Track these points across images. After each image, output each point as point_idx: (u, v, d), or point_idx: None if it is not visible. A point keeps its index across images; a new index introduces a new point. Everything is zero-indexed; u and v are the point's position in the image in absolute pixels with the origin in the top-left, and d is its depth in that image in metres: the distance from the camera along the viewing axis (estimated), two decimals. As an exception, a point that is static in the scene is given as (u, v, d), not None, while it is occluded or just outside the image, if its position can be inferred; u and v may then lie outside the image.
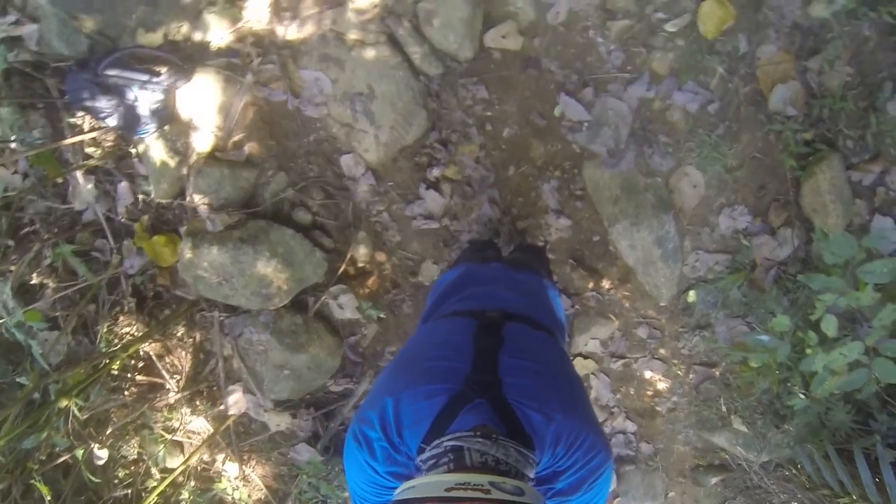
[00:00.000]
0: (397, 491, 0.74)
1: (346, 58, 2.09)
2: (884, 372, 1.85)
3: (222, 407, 2.61)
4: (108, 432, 2.62)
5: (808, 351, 1.96)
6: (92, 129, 2.27)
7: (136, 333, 2.51)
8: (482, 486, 0.68)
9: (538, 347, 1.08)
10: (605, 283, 2.38)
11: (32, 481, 2.31)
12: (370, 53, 2.07)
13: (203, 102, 2.14)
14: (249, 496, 2.82)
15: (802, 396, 2.17)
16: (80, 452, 2.40)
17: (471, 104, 2.21)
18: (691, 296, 2.31)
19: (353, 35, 2.07)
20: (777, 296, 2.18)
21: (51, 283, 2.43)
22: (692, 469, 2.71)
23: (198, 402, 2.66)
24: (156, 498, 2.47)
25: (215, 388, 2.63)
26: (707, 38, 1.99)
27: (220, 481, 2.79)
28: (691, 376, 2.48)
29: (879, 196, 2.06)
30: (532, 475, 0.81)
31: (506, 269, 1.47)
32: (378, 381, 1.00)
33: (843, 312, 1.98)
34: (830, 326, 1.88)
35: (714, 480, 2.68)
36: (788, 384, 2.24)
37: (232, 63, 2.13)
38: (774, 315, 2.08)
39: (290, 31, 2.10)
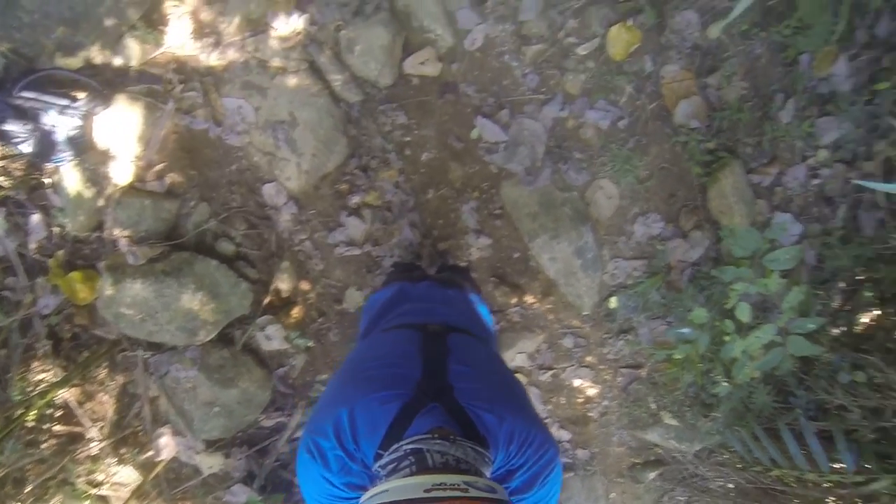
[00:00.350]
0: (365, 497, 0.74)
1: (269, 85, 2.11)
2: (797, 347, 2.02)
3: (151, 453, 2.46)
4: (27, 491, 2.40)
5: (727, 338, 2.10)
6: (3, 157, 2.15)
7: (52, 379, 2.34)
8: (458, 485, 0.69)
9: (481, 355, 1.12)
10: (529, 298, 2.44)
11: None
12: (292, 81, 2.10)
13: (123, 130, 2.09)
14: (186, 548, 2.65)
15: (725, 384, 2.29)
16: None
17: (390, 130, 2.26)
18: (613, 302, 2.42)
19: (275, 62, 2.10)
20: (693, 294, 2.32)
21: None
22: (629, 468, 2.79)
23: (124, 451, 2.50)
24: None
25: (142, 432, 2.48)
26: (615, 60, 2.15)
27: (153, 534, 2.60)
28: (619, 379, 2.57)
29: (777, 195, 2.26)
30: (488, 474, 0.83)
31: (435, 287, 1.51)
32: (325, 395, 0.99)
33: (754, 302, 2.14)
34: (744, 313, 2.03)
35: (652, 475, 2.76)
36: (711, 375, 2.35)
37: (153, 89, 2.10)
38: (692, 312, 2.23)
39: (212, 58, 2.11)
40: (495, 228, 2.36)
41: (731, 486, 2.61)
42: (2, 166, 2.17)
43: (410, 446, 0.78)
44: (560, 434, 2.65)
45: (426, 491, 0.69)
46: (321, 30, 2.11)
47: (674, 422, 2.58)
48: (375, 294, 1.55)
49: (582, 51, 2.15)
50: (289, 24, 2.06)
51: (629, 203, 2.31)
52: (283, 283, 2.33)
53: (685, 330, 2.22)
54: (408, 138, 2.27)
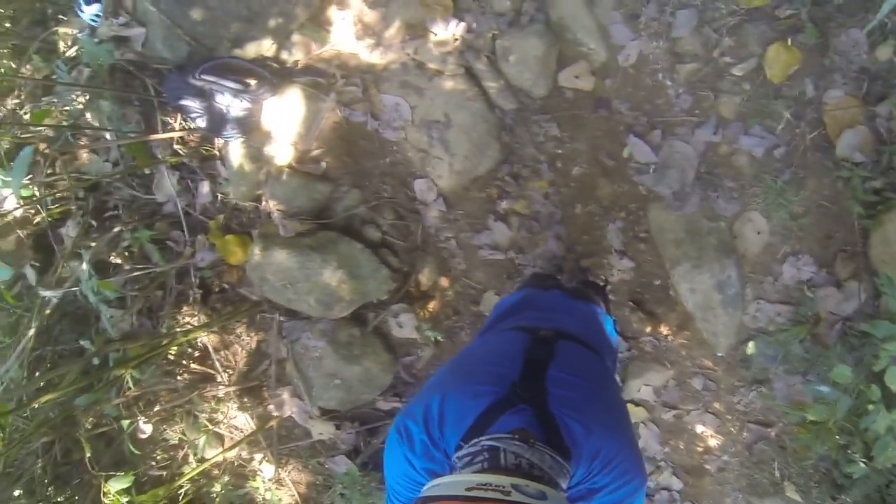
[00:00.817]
0: (425, 487, 0.75)
1: (426, 86, 2.22)
2: None
3: (269, 407, 2.69)
4: (154, 411, 2.73)
5: (871, 407, 1.85)
6: (182, 129, 2.44)
7: (196, 324, 2.64)
8: (503, 487, 0.68)
9: (588, 366, 1.10)
10: (663, 329, 2.34)
11: (79, 436, 2.41)
12: (448, 84, 2.19)
13: (287, 116, 2.29)
14: (280, 500, 2.85)
15: (863, 464, 2.03)
16: (126, 423, 2.50)
17: (542, 140, 2.27)
18: (750, 347, 2.24)
19: (433, 65, 2.20)
20: (841, 353, 2.08)
21: (125, 265, 2.58)
22: (738, 535, 2.56)
23: (245, 399, 2.75)
24: (188, 483, 2.53)
25: (265, 388, 2.72)
26: (773, 83, 2.00)
27: (254, 480, 2.84)
28: (745, 434, 2.38)
29: (953, 247, 1.97)
30: (565, 486, 0.81)
31: (564, 297, 1.50)
32: (428, 382, 1.04)
33: None
34: (895, 379, 1.78)
35: (761, 550, 2.51)
36: (849, 451, 2.10)
37: (317, 82, 2.28)
38: (835, 369, 1.99)
39: (373, 57, 2.25)
40: (639, 251, 2.29)
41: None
42: (181, 137, 2.48)
43: (488, 443, 0.79)
44: (671, 481, 2.50)
45: (467, 489, 0.68)
46: (478, 37, 2.17)
47: (797, 496, 2.33)
48: (505, 297, 1.57)
49: (737, 71, 2.03)
50: (447, 30, 2.15)
51: (780, 241, 2.13)
52: (424, 277, 2.43)
53: (823, 388, 1.99)
54: (560, 151, 2.28)
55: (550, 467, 0.77)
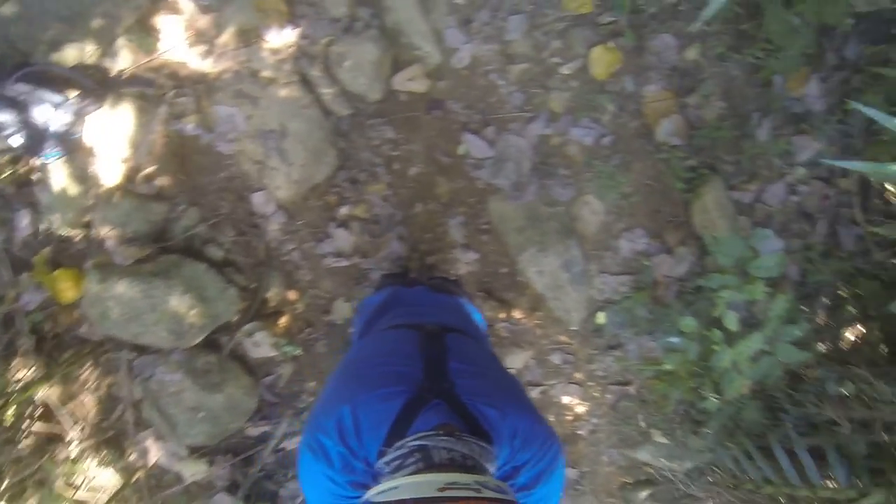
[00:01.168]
0: (371, 493, 0.73)
1: (260, 95, 2.16)
2: (785, 354, 2.01)
3: (132, 457, 2.44)
4: (1, 489, 2.38)
5: (715, 348, 2.08)
6: None
7: (33, 377, 2.34)
8: (470, 485, 0.69)
9: (478, 353, 1.13)
10: (517, 313, 2.43)
11: None
12: (283, 92, 2.16)
13: (114, 131, 2.11)
14: (165, 557, 2.60)
15: (714, 399, 2.25)
16: None
17: (378, 144, 2.30)
18: (600, 317, 2.42)
19: (267, 73, 2.16)
20: (680, 309, 2.31)
21: None
22: (620, 488, 2.73)
23: (105, 453, 2.48)
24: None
25: (124, 436, 2.47)
26: (598, 80, 2.21)
27: (130, 543, 2.56)
28: (608, 396, 2.55)
29: (758, 211, 2.29)
30: (493, 470, 0.82)
31: (428, 292, 1.54)
32: (325, 394, 0.99)
33: (741, 314, 2.12)
34: (732, 321, 2.02)
35: (643, 495, 2.69)
36: (700, 391, 2.31)
37: (145, 93, 2.13)
38: (681, 320, 2.21)
39: (205, 65, 2.16)
40: (483, 243, 2.38)
41: (722, 504, 2.56)
42: None
43: (416, 443, 0.78)
44: None
45: (440, 490, 0.67)
46: (312, 44, 2.17)
47: (664, 440, 2.54)
48: (369, 297, 1.56)
49: (566, 70, 2.21)
50: (281, 37, 2.13)
51: (614, 219, 2.33)
52: (272, 292, 2.35)
53: (674, 339, 2.21)
54: (396, 153, 2.31)
55: (479, 455, 0.78)
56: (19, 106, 1.94)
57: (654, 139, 2.23)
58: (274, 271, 2.34)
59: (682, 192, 2.26)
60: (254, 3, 2.11)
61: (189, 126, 2.21)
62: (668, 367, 2.26)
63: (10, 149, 2.07)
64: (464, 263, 2.38)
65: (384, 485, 0.72)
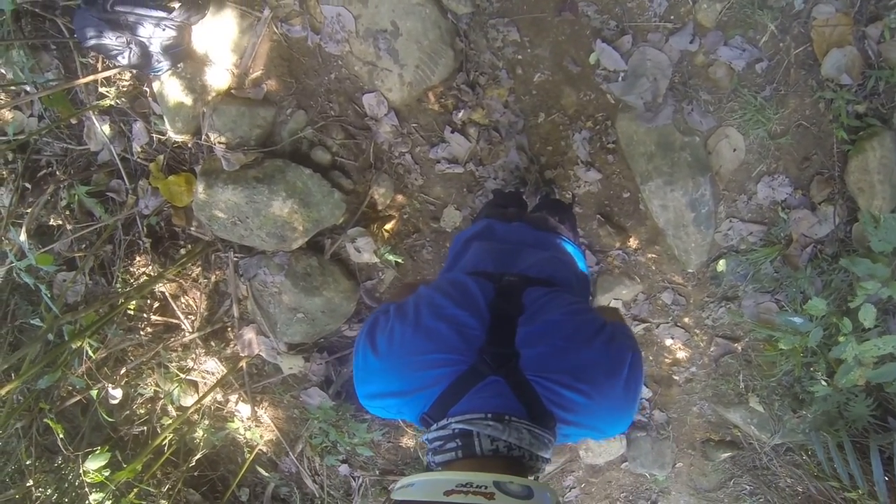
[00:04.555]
0: (395, 487, 0.71)
1: (370, -9, 1.97)
2: None
3: (236, 348, 2.64)
4: (123, 371, 2.69)
5: (841, 338, 1.88)
6: (105, 69, 2.21)
7: (151, 274, 2.53)
8: (485, 487, 0.64)
9: (562, 311, 0.95)
10: (633, 243, 2.29)
11: (46, 419, 2.38)
12: (396, -13, 1.94)
13: (219, 38, 2.07)
14: (261, 437, 2.90)
15: (825, 384, 2.11)
16: (94, 392, 2.46)
17: (501, 46, 2.09)
18: (721, 265, 2.21)
19: (378, -33, 1.94)
20: (811, 276, 2.08)
21: (67, 225, 2.44)
22: (703, 442, 2.68)
23: (212, 343, 2.71)
24: (170, 435, 2.54)
25: (229, 329, 2.66)
26: None
27: (232, 421, 2.86)
28: (712, 348, 2.41)
29: (933, 181, 1.91)
30: (548, 455, 0.77)
31: (528, 229, 1.39)
32: (389, 326, 0.90)
33: (881, 303, 1.88)
34: (868, 316, 1.79)
35: (723, 456, 2.64)
36: (812, 369, 2.16)
37: (250, -4, 2.03)
38: (806, 295, 1.98)
39: (311, -38, 1.99)
40: (607, 163, 2.18)
41: (800, 489, 2.46)
42: (106, 78, 2.24)
43: (459, 426, 0.73)
44: (642, 390, 2.57)
45: (446, 493, 0.63)
46: (428, -68, 1.91)
47: (760, 408, 2.42)
48: (463, 231, 1.46)
49: None
50: (395, -77, 1.88)
51: (756, 159, 2.05)
52: (379, 196, 2.30)
53: (798, 319, 1.99)
54: (520, 56, 2.09)
55: (530, 443, 0.73)
56: (123, 26, 1.92)
57: (819, 73, 1.89)
58: (383, 175, 2.28)
59: (842, 142, 1.94)
60: None
61: (295, 28, 2.08)
62: (782, 346, 2.05)
63: (121, 66, 2.09)
64: (584, 182, 2.22)
65: (406, 478, 0.70)
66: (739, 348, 2.38)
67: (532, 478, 0.72)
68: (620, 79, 2.00)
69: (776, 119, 1.96)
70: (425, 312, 0.90)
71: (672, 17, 1.93)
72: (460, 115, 2.16)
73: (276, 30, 2.08)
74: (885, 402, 2.12)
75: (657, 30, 1.95)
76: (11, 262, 2.15)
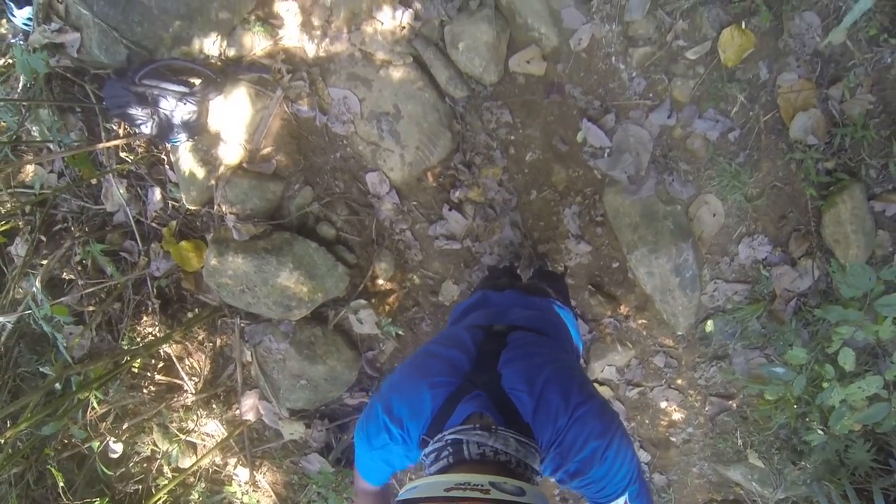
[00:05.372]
0: (401, 492, 0.76)
1: (374, 77, 2.15)
2: None
3: (237, 412, 2.66)
4: (124, 427, 2.69)
5: (825, 385, 1.92)
6: (127, 135, 2.36)
7: (158, 334, 2.58)
8: (482, 486, 0.70)
9: (539, 345, 1.09)
10: (623, 310, 2.36)
11: (48, 466, 2.36)
12: (397, 74, 2.13)
13: (234, 115, 2.22)
14: (258, 502, 2.85)
15: (821, 432, 2.12)
16: (95, 444, 2.46)
17: (495, 127, 2.24)
18: (709, 325, 2.28)
19: (380, 55, 2.13)
20: (797, 328, 2.14)
21: (79, 280, 2.52)
22: (706, 503, 2.65)
23: (214, 406, 2.72)
24: (165, 496, 2.52)
25: (232, 392, 2.69)
26: (727, 66, 1.99)
27: (230, 485, 2.83)
28: (707, 408, 2.44)
29: (902, 227, 2.02)
30: (538, 466, 0.83)
31: (519, 295, 1.49)
32: (391, 376, 1.04)
33: (862, 346, 1.94)
34: (848, 360, 1.85)
35: (728, 515, 2.61)
36: (807, 419, 2.18)
37: (263, 78, 2.20)
38: (793, 347, 2.04)
39: (319, 49, 2.18)
40: (596, 236, 2.30)
41: (808, 544, 2.41)
42: (127, 144, 2.40)
43: (451, 437, 0.80)
44: (639, 454, 2.57)
45: (446, 490, 0.69)
46: (426, 24, 2.11)
47: (759, 463, 2.42)
48: (461, 302, 1.56)
49: (691, 55, 2.01)
50: (394, 19, 2.08)
51: (735, 222, 2.15)
52: (381, 271, 2.41)
53: (779, 369, 2.04)
54: (513, 137, 2.25)
55: (516, 450, 0.78)
56: (147, 99, 2.09)
57: (788, 136, 2.01)
58: (384, 250, 2.39)
59: (814, 198, 2.04)
60: (368, -16, 2.07)
61: (304, 108, 2.25)
62: (768, 396, 2.10)
63: (142, 135, 2.25)
64: (576, 255, 2.32)
65: (410, 483, 0.75)
66: (734, 405, 2.41)
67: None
68: (606, 155, 2.14)
69: (751, 182, 2.08)
70: (420, 354, 1.04)
71: (650, 95, 2.08)
72: (457, 193, 2.29)
73: (286, 109, 2.24)
74: (885, 444, 2.12)
75: (637, 107, 2.10)
76: (25, 311, 2.22)
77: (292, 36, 2.19)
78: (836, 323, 1.87)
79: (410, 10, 2.08)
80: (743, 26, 1.93)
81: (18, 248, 2.53)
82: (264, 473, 2.82)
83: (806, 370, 1.99)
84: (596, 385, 2.46)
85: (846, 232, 1.97)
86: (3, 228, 2.52)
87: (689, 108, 2.06)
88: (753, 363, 2.31)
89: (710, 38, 1.98)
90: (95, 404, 2.41)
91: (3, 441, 2.12)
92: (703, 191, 2.13)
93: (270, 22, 2.18)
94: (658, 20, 2.00)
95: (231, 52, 2.20)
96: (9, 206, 2.51)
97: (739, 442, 2.44)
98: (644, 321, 2.37)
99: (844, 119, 1.96)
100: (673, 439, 2.52)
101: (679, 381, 2.43)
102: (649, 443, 2.57)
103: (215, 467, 2.87)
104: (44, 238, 2.52)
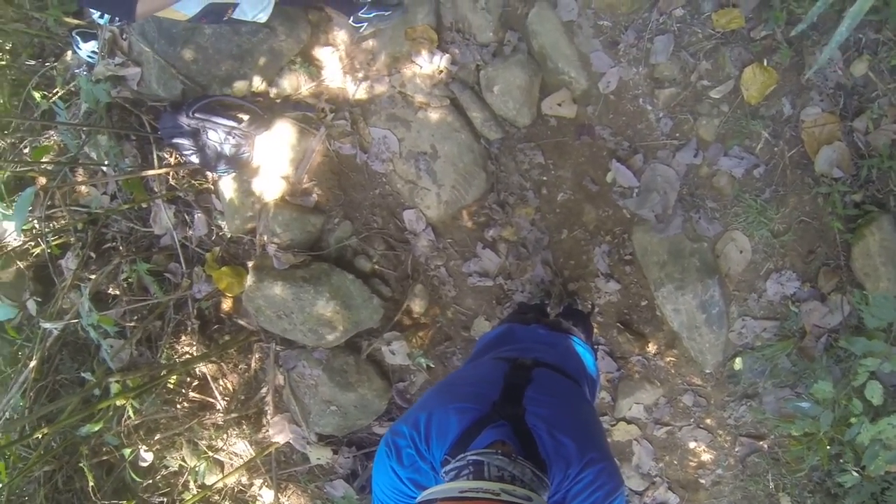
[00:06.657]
0: (421, 496, 0.82)
1: (413, 119, 2.27)
2: None
3: (267, 434, 2.72)
4: (155, 438, 2.76)
5: (853, 420, 1.88)
6: (177, 164, 2.51)
7: (195, 353, 2.68)
8: (493, 490, 0.77)
9: (562, 389, 1.18)
10: (652, 348, 2.37)
11: (81, 464, 2.44)
12: (434, 116, 2.25)
13: (278, 150, 2.35)
14: (282, 525, 2.87)
15: (855, 473, 2.05)
16: (127, 451, 2.54)
17: (528, 168, 2.33)
18: (738, 363, 2.27)
19: (419, 98, 2.26)
20: (827, 365, 2.11)
21: (124, 296, 2.64)
22: (735, 547, 2.58)
23: (244, 426, 2.79)
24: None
25: (262, 415, 2.75)
26: (751, 103, 2.04)
27: (254, 505, 2.87)
28: (737, 448, 2.40)
29: (931, 261, 1.99)
30: (545, 497, 0.87)
31: (544, 330, 1.58)
32: (417, 402, 1.11)
33: (891, 380, 1.90)
34: (875, 393, 1.80)
35: (758, 561, 2.53)
36: (840, 460, 2.11)
37: (307, 116, 2.34)
38: (815, 384, 2.01)
39: (361, 91, 2.31)
40: (625, 274, 2.34)
41: None
42: (177, 172, 2.54)
43: (474, 458, 0.85)
44: (667, 496, 2.52)
45: (461, 492, 0.77)
46: (462, 69, 2.24)
47: (792, 507, 2.36)
48: (487, 332, 1.63)
49: (715, 94, 2.07)
50: (432, 63, 2.21)
51: (762, 258, 2.17)
52: (415, 305, 2.48)
53: (805, 404, 2.01)
54: (545, 178, 2.33)
55: (531, 480, 0.83)
56: (198, 131, 2.24)
57: (813, 170, 2.03)
58: (419, 285, 2.47)
59: (842, 232, 2.04)
60: (405, 32, 2.21)
61: (345, 146, 2.37)
62: (794, 432, 2.06)
63: (193, 165, 2.40)
64: (605, 293, 2.36)
65: (430, 489, 0.82)
66: (765, 446, 2.37)
67: None
68: (634, 194, 2.20)
69: (778, 218, 2.09)
70: (449, 380, 1.14)
71: (677, 135, 2.14)
72: (491, 232, 2.37)
73: (328, 146, 2.36)
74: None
75: (665, 147, 2.16)
76: (73, 319, 2.33)
77: (335, 77, 2.33)
78: (862, 355, 1.84)
79: (448, 55, 2.21)
80: (765, 63, 1.99)
81: (69, 262, 2.67)
82: (289, 496, 2.86)
83: (834, 405, 1.95)
84: (624, 423, 2.46)
85: (875, 264, 1.96)
86: (57, 242, 2.68)
87: (715, 147, 2.12)
88: (784, 402, 2.28)
89: (733, 76, 2.04)
90: (131, 413, 2.50)
91: (39, 436, 2.20)
92: (729, 227, 2.16)
93: (315, 64, 2.34)
94: (682, 61, 2.09)
95: (277, 91, 2.35)
96: (63, 221, 2.66)
97: (771, 485, 2.38)
98: (672, 359, 2.37)
99: (870, 150, 1.97)
100: (702, 481, 2.48)
101: (708, 421, 2.40)
102: (678, 484, 2.53)
103: (241, 487, 2.91)
104: (93, 254, 2.66)
